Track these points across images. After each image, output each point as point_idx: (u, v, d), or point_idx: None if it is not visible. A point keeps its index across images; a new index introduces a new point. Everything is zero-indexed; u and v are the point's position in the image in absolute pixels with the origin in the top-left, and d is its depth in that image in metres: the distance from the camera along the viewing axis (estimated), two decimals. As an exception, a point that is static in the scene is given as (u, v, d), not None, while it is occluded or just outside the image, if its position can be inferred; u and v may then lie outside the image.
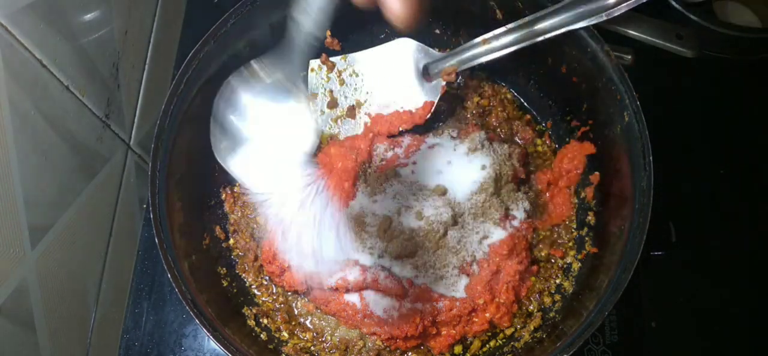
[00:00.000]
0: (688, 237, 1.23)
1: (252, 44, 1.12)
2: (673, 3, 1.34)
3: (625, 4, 0.96)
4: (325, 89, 1.22)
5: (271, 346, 1.01)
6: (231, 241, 1.12)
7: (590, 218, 1.10)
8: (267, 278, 1.10)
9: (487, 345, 1.04)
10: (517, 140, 1.22)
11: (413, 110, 1.16)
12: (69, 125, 1.07)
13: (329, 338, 1.06)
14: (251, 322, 1.04)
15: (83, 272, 1.16)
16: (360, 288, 0.99)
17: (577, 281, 1.06)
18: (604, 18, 0.99)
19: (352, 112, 1.22)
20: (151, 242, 1.20)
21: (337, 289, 0.99)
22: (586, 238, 1.09)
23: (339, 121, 1.22)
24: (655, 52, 1.39)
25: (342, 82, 1.21)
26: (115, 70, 1.22)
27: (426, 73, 1.16)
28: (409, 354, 1.04)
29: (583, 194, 1.12)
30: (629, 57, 1.29)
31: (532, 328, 1.02)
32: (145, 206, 1.31)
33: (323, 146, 1.22)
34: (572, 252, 1.10)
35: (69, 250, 1.10)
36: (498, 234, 1.03)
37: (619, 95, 1.00)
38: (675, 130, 1.35)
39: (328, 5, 0.74)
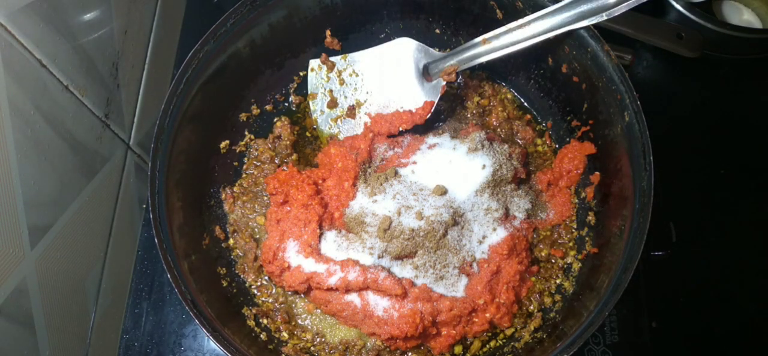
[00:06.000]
0: (688, 237, 1.23)
1: (252, 44, 1.12)
2: (674, 3, 1.34)
3: (625, 4, 0.96)
4: (325, 89, 1.22)
5: (271, 346, 1.01)
6: (230, 241, 1.12)
7: (590, 218, 1.10)
8: (267, 278, 1.10)
9: (488, 346, 1.04)
10: (518, 140, 1.22)
11: (413, 110, 1.16)
12: (69, 125, 1.07)
13: (329, 338, 1.06)
14: (251, 322, 1.04)
15: (83, 272, 1.16)
16: (360, 288, 0.99)
17: (578, 281, 1.06)
18: (605, 18, 0.98)
19: (352, 112, 1.22)
20: (151, 243, 1.20)
21: (337, 289, 0.99)
22: (587, 238, 1.09)
23: (339, 121, 1.22)
24: (655, 52, 1.40)
25: (342, 82, 1.21)
26: (115, 70, 1.22)
27: (426, 73, 1.16)
28: (409, 354, 1.04)
29: (583, 194, 1.12)
30: (629, 57, 1.30)
31: (532, 328, 1.02)
32: (144, 206, 1.31)
33: (323, 146, 1.22)
34: (572, 252, 1.10)
35: (69, 250, 1.10)
36: (498, 234, 1.03)
37: (620, 95, 1.00)
38: (675, 130, 1.35)
39: None
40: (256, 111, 1.21)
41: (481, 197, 1.04)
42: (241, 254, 1.11)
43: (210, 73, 1.06)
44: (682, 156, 1.31)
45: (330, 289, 1.00)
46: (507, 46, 1.06)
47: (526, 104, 1.26)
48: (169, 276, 0.90)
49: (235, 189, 1.16)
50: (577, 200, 1.13)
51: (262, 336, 1.02)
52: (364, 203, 1.05)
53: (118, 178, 1.29)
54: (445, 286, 1.01)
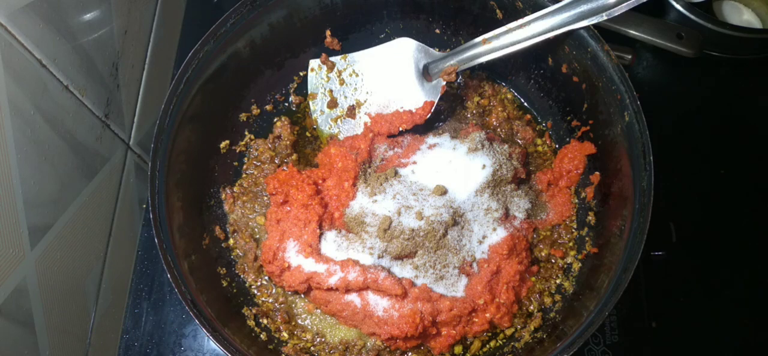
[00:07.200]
0: (688, 237, 1.23)
1: (252, 44, 1.12)
2: (673, 3, 1.34)
3: (625, 3, 0.96)
4: (325, 89, 1.22)
5: (270, 346, 1.01)
6: (230, 241, 1.12)
7: (590, 218, 1.10)
8: (267, 278, 1.10)
9: (488, 346, 1.04)
10: (518, 140, 1.22)
11: (413, 110, 1.16)
12: (69, 125, 1.07)
13: (329, 338, 1.06)
14: (251, 322, 1.04)
15: (83, 272, 1.16)
16: (360, 288, 0.99)
17: (578, 281, 1.06)
18: (605, 18, 0.99)
19: (352, 112, 1.22)
20: (151, 243, 1.20)
21: (337, 289, 0.99)
22: (587, 238, 1.09)
23: (339, 121, 1.22)
24: (655, 52, 1.40)
25: (342, 82, 1.21)
26: (115, 70, 1.22)
27: (426, 73, 1.16)
28: (409, 354, 1.04)
29: (583, 194, 1.12)
30: (629, 57, 1.30)
31: (532, 328, 1.02)
32: (144, 206, 1.31)
33: (323, 146, 1.22)
34: (572, 252, 1.10)
35: (69, 250, 1.10)
36: (498, 234, 1.03)
37: (620, 95, 1.00)
38: (675, 130, 1.35)
39: None
40: (256, 111, 1.21)
41: (481, 197, 1.04)
42: (241, 254, 1.11)
43: (210, 73, 1.06)
44: (682, 156, 1.31)
45: (330, 289, 1.00)
46: (507, 46, 1.06)
47: (526, 104, 1.26)
48: (169, 276, 0.90)
49: (235, 189, 1.16)
50: (577, 200, 1.13)
51: (262, 336, 1.02)
52: (364, 203, 1.05)
53: (118, 178, 1.29)
54: (445, 286, 1.01)
